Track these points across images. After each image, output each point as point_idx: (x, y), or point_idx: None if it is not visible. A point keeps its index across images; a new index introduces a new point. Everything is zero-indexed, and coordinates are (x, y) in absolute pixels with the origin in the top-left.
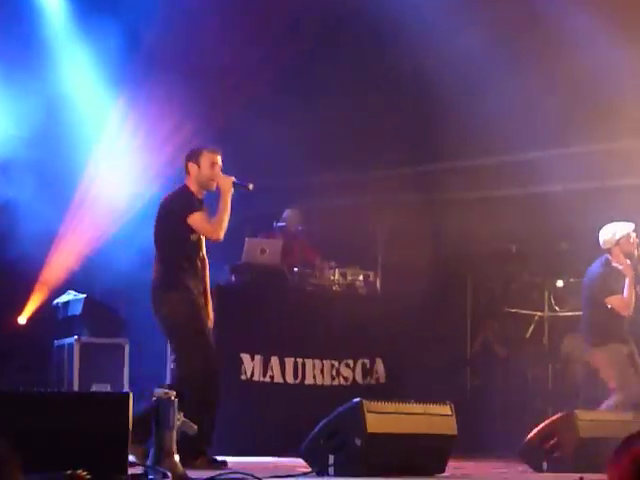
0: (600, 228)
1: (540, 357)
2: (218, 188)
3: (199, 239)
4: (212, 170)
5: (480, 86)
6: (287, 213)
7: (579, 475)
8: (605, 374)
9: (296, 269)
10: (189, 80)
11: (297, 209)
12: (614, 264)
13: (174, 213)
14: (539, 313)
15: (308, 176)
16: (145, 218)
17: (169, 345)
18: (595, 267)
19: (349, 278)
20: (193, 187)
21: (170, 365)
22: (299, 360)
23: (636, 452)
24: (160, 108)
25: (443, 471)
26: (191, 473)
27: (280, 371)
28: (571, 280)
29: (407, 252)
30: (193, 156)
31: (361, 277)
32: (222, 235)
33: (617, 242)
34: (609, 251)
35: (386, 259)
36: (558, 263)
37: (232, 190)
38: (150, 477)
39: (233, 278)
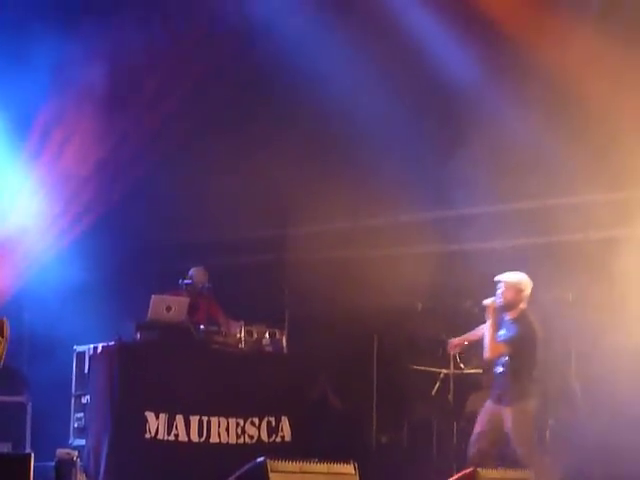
0: None
1: (445, 414)
2: None
3: None
4: None
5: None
6: (193, 271)
7: None
8: None
9: (202, 327)
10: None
11: (203, 267)
12: None
13: None
14: (444, 370)
15: (214, 234)
16: (49, 274)
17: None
18: None
19: (255, 336)
20: None
21: (74, 424)
22: (204, 418)
23: None
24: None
25: None
26: None
27: (185, 429)
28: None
29: (313, 309)
30: None
31: (267, 335)
32: None
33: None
34: None
35: (293, 316)
36: (463, 320)
37: None
38: None
39: (138, 335)
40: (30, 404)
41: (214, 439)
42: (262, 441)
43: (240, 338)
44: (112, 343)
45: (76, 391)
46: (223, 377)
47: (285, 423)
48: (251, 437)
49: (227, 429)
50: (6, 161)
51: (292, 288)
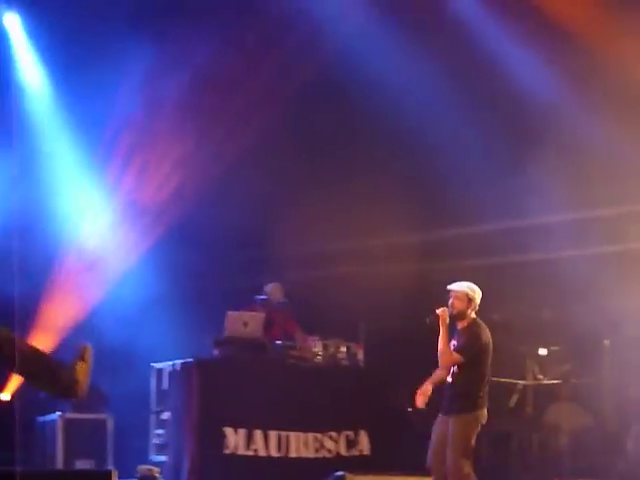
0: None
1: (524, 426)
2: None
3: None
4: None
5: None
6: (268, 286)
7: None
8: None
9: (278, 342)
10: (162, 147)
11: (278, 282)
12: None
13: None
14: (522, 382)
15: (289, 249)
16: (126, 291)
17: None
18: None
19: (331, 350)
20: None
21: (154, 440)
22: (283, 433)
23: None
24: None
25: None
26: None
27: (264, 444)
28: (553, 348)
29: (389, 322)
30: None
31: (343, 349)
32: None
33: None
34: None
35: (368, 330)
36: (541, 331)
37: None
38: None
39: (216, 352)
40: (111, 421)
41: (293, 453)
42: (341, 455)
43: (316, 352)
44: (190, 360)
45: (156, 408)
46: (300, 392)
47: (363, 437)
48: (329, 451)
49: (306, 443)
50: (86, 175)
51: (367, 301)
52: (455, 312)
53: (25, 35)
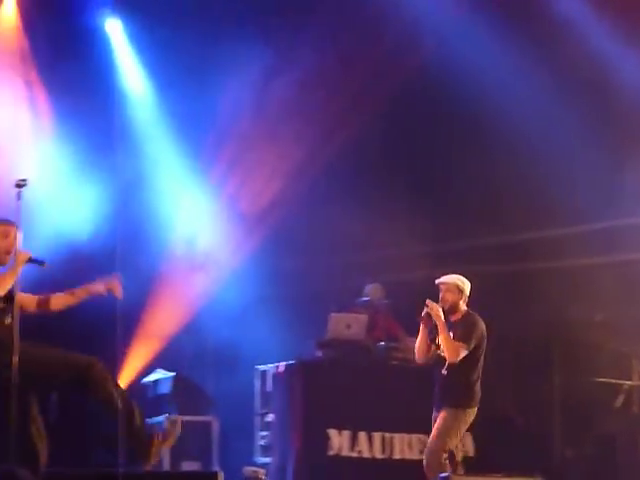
0: None
1: (630, 427)
2: None
3: None
4: (5, 241)
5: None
6: (369, 287)
7: None
8: None
9: (381, 343)
10: (264, 151)
11: (379, 283)
12: None
13: None
14: (629, 382)
15: (388, 249)
16: (229, 293)
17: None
18: None
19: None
20: None
21: (259, 442)
22: (387, 434)
23: None
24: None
25: None
26: None
27: (368, 446)
28: None
29: (491, 323)
30: None
31: None
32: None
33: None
34: None
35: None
36: None
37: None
38: None
39: (319, 353)
40: (216, 423)
41: (397, 455)
42: None
43: None
44: (294, 362)
45: (260, 410)
46: (404, 393)
47: (467, 438)
48: None
49: (410, 445)
50: (191, 180)
51: (472, 302)
52: (447, 305)
53: (127, 40)
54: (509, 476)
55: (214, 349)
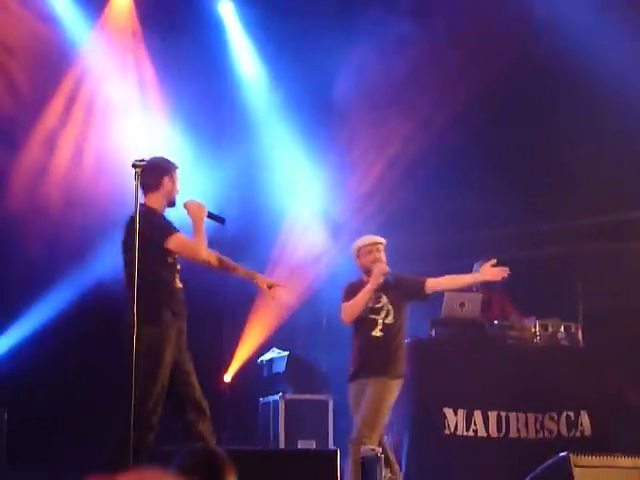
0: None
1: None
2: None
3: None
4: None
5: None
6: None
7: None
8: None
9: (496, 322)
10: (379, 137)
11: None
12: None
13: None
14: None
15: (502, 229)
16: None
17: None
18: None
19: (550, 330)
20: (159, 205)
21: None
22: (502, 413)
23: None
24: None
25: None
26: None
27: (484, 425)
28: None
29: (608, 302)
30: (167, 171)
31: (562, 329)
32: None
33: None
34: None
35: (587, 310)
36: None
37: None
38: None
39: (433, 332)
40: (331, 401)
41: (513, 434)
42: (561, 436)
43: (535, 332)
44: (408, 340)
45: None
46: (519, 372)
47: (585, 417)
48: (550, 432)
49: (526, 424)
50: (305, 162)
51: (584, 281)
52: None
53: (239, 22)
54: (628, 455)
55: (327, 327)
